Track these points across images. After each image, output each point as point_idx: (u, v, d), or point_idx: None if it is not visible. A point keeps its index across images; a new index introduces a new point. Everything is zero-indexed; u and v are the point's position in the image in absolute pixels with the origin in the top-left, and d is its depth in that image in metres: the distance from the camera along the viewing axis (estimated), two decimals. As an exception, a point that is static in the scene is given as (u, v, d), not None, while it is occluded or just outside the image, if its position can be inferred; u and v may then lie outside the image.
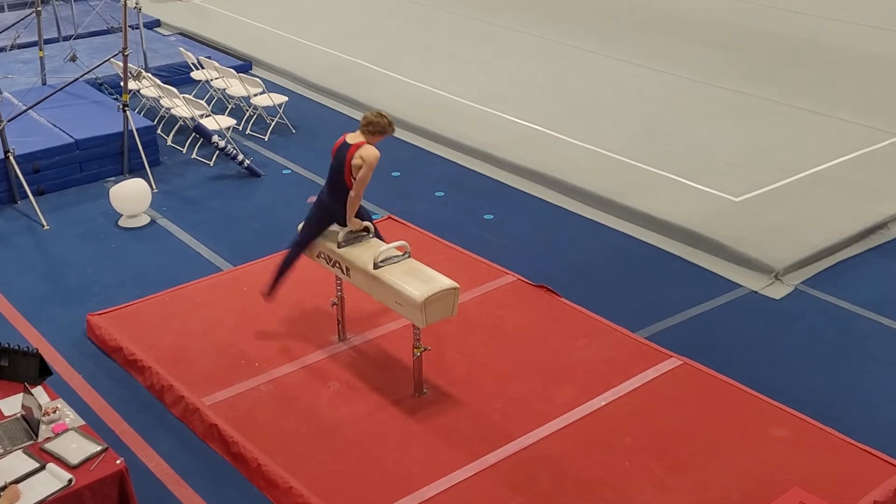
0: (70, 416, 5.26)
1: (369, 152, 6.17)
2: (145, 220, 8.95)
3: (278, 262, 6.79)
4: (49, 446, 4.99)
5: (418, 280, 5.95)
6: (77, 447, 4.99)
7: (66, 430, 5.13)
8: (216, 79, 11.66)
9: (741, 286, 7.81)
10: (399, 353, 6.68)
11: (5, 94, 10.39)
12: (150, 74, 11.13)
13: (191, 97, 10.50)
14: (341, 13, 15.92)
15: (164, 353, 6.74)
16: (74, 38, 13.03)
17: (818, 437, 5.88)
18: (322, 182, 6.81)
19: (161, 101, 10.92)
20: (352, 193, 6.27)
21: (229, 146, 9.97)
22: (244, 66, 13.06)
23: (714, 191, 9.21)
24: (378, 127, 6.22)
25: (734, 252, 8.14)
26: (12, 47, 12.98)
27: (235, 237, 8.59)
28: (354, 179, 6.22)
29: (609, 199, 9.13)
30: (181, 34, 14.70)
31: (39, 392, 5.39)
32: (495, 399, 6.29)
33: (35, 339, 7.06)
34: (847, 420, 6.10)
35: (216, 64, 11.67)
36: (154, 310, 7.31)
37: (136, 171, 9.81)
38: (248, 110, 11.35)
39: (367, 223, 6.50)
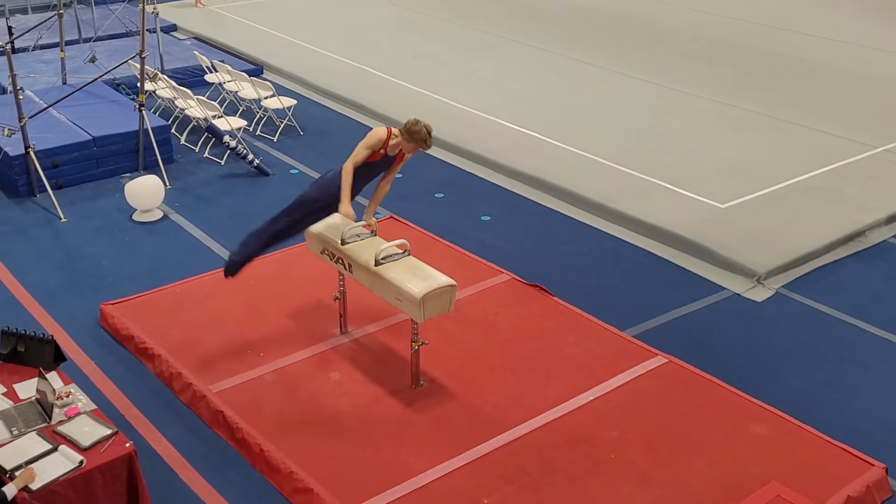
0: (82, 401, 5.36)
1: (373, 130, 6.26)
2: (158, 214, 9.06)
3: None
4: (62, 429, 5.11)
5: (417, 277, 6.01)
6: (88, 430, 5.10)
7: (79, 414, 5.23)
8: (229, 82, 11.72)
9: (725, 289, 7.90)
10: (398, 346, 6.76)
11: (27, 92, 10.40)
12: (165, 76, 11.18)
13: (204, 99, 10.57)
14: (349, 22, 15.91)
15: (173, 342, 6.80)
16: (94, 41, 13.08)
17: (795, 434, 5.97)
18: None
19: (175, 102, 10.97)
20: (346, 163, 6.23)
21: (240, 146, 10.05)
22: (256, 70, 13.10)
23: (702, 198, 9.28)
24: (404, 126, 6.24)
25: (719, 256, 8.22)
26: (35, 48, 13.01)
27: (244, 233, 8.44)
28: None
29: (602, 203, 9.20)
30: (196, 38, 14.72)
31: (54, 377, 5.49)
32: (488, 392, 6.36)
33: (50, 327, 7.16)
34: (823, 418, 6.19)
35: (229, 67, 11.76)
36: (165, 301, 7.39)
37: (151, 168, 9.91)
38: (258, 112, 11.42)
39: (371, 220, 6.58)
